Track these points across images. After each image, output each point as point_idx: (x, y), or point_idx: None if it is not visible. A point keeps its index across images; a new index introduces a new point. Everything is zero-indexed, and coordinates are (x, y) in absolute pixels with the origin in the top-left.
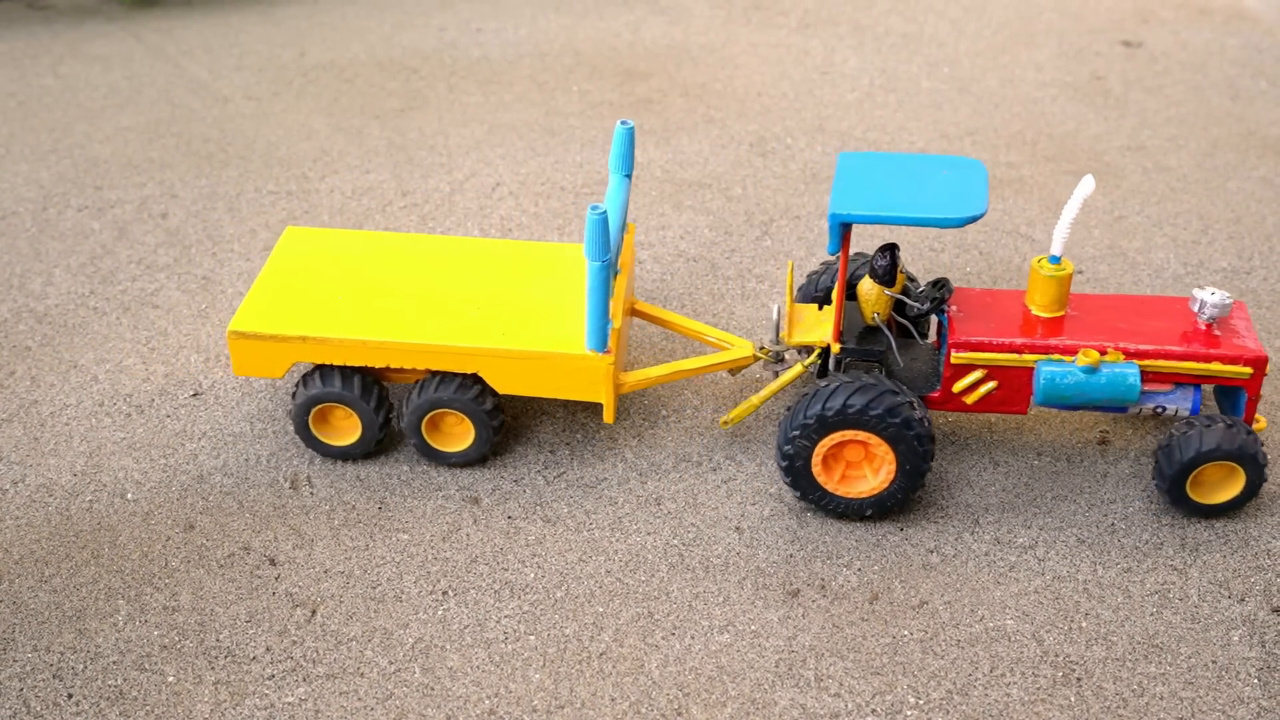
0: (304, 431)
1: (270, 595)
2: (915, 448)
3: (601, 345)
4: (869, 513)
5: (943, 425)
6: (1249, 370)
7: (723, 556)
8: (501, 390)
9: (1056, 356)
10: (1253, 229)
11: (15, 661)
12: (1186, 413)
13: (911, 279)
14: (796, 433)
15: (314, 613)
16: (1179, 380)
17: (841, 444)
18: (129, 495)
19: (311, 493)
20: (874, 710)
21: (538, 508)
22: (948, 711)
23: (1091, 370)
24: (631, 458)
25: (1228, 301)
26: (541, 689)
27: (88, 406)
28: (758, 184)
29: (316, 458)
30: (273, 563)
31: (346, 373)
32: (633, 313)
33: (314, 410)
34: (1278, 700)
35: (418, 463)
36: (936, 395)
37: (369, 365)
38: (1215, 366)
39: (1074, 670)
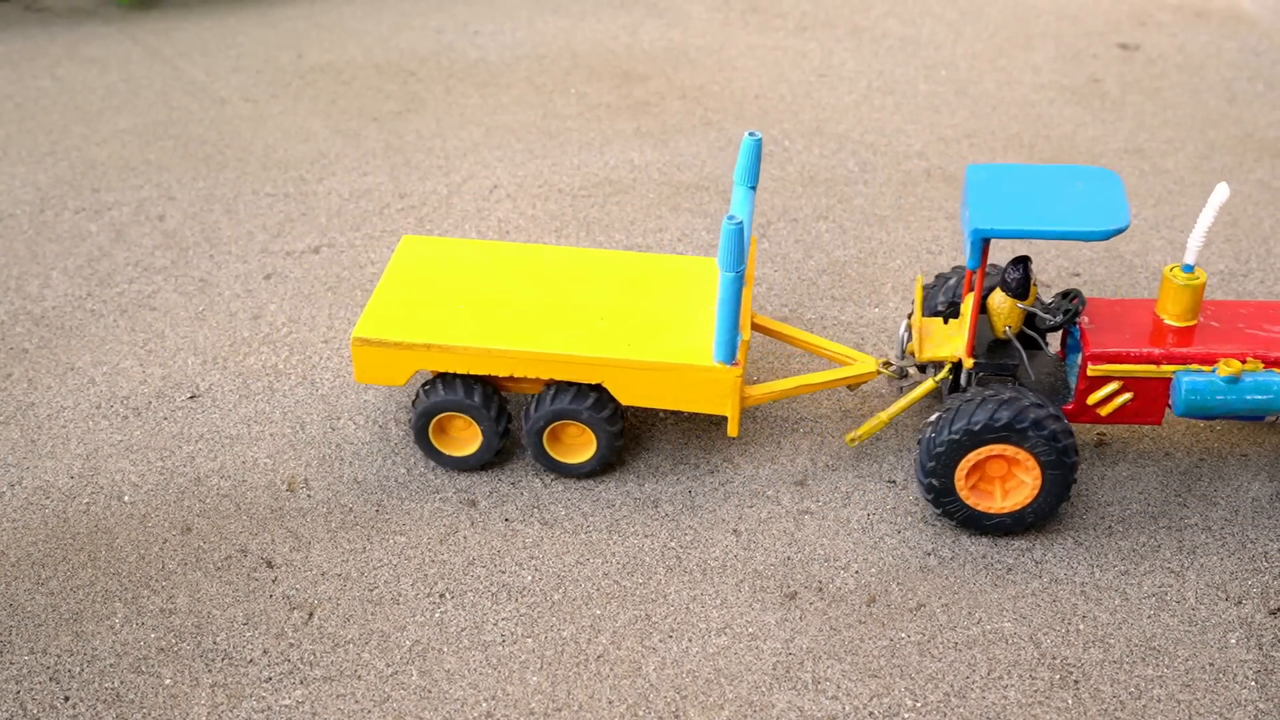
0: (423, 440)
1: (267, 598)
2: (1062, 459)
3: (730, 357)
4: (1023, 524)
5: None
6: None
7: (720, 559)
8: (624, 402)
9: (1195, 366)
10: (1249, 231)
11: (12, 664)
12: None
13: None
14: (941, 449)
15: (311, 615)
16: None
17: (984, 459)
18: (126, 497)
19: (309, 495)
20: (871, 713)
21: (535, 510)
22: (945, 714)
23: (1234, 380)
24: (629, 460)
25: None
26: (539, 691)
27: (85, 409)
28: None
29: (314, 460)
30: (270, 565)
31: (469, 382)
32: (752, 326)
33: (433, 420)
34: (1275, 702)
35: (415, 465)
36: (1069, 407)
37: (492, 374)
38: None
39: (1071, 673)
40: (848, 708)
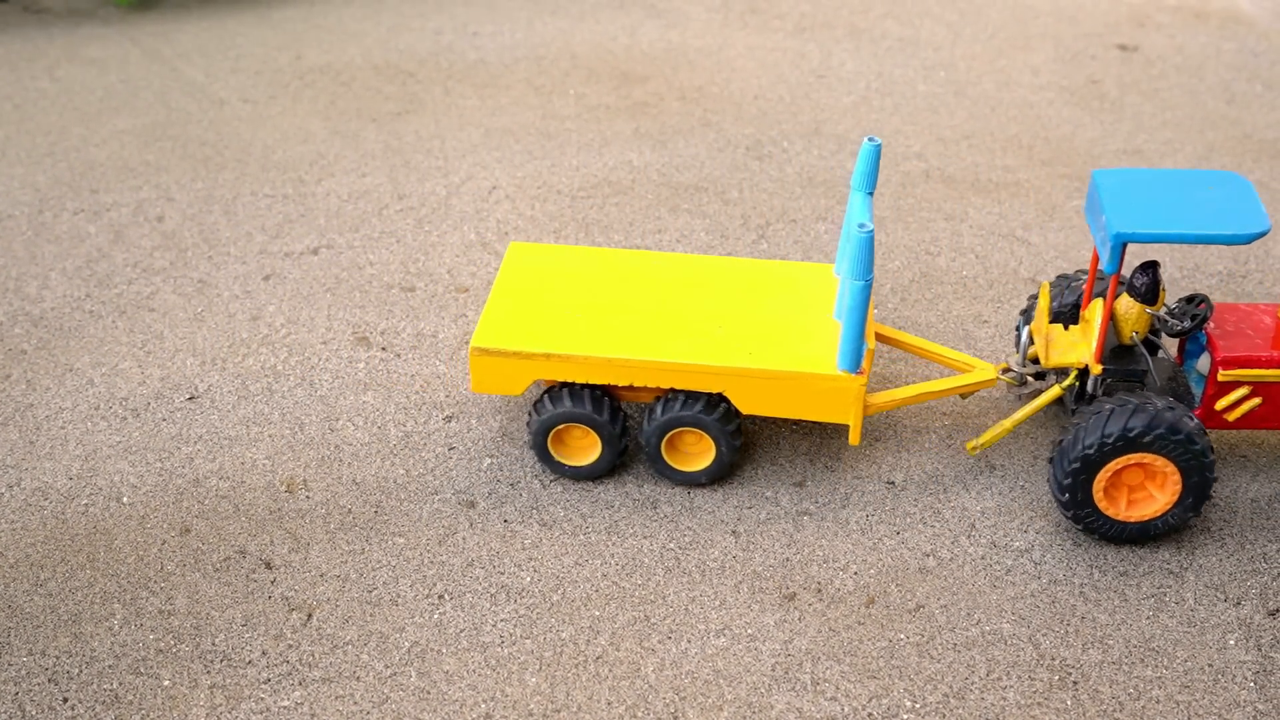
0: (542, 451)
1: (266, 599)
2: (1200, 463)
3: (855, 366)
4: (1164, 530)
5: (940, 428)
6: None
7: (719, 560)
8: (745, 410)
9: None
10: None
11: (11, 666)
12: None
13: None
14: (1077, 464)
15: (310, 616)
16: None
17: (1121, 469)
18: (125, 499)
19: (307, 496)
20: (870, 714)
21: (534, 511)
22: (944, 715)
23: None
24: (627, 461)
25: None
26: (538, 693)
27: (83, 410)
28: (754, 187)
29: (313, 461)
30: (269, 566)
31: (590, 391)
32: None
33: (553, 431)
34: (1274, 703)
35: (413, 466)
36: (1196, 413)
37: (612, 383)
38: None
39: (1070, 674)
40: (846, 709)
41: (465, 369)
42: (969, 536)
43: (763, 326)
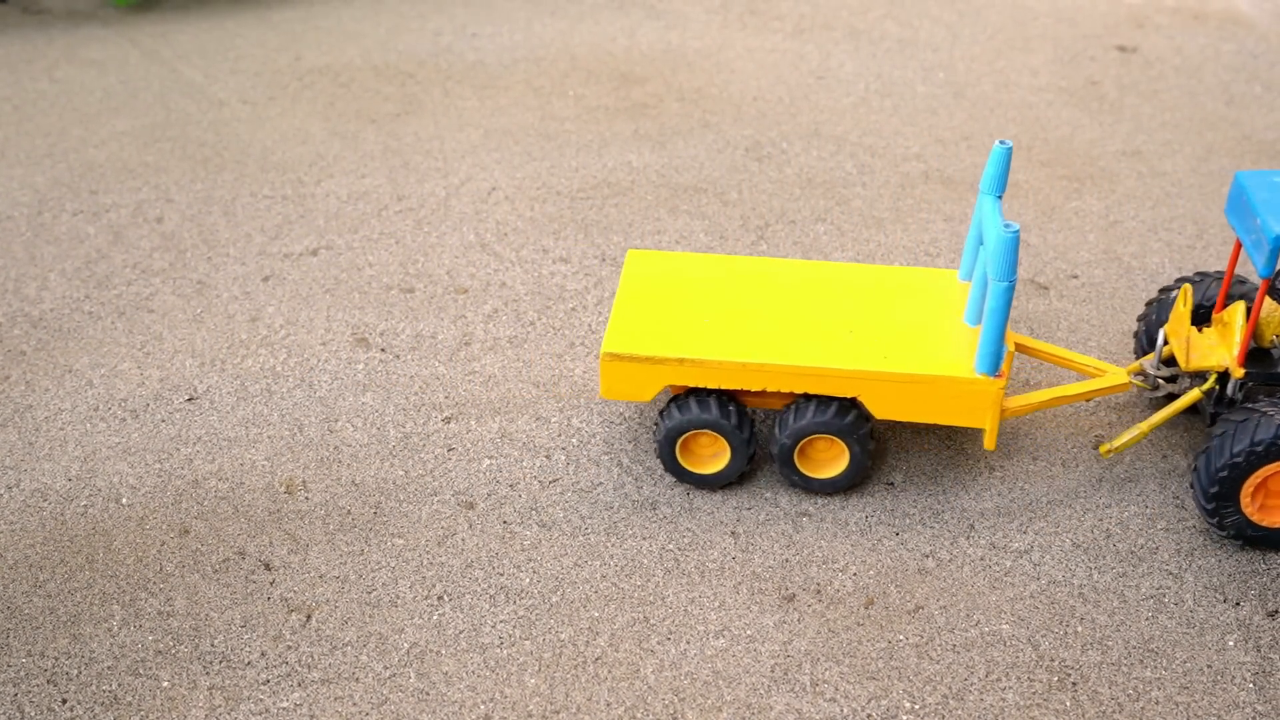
0: (670, 460)
1: (265, 600)
2: None
3: (994, 369)
4: None
5: (940, 428)
6: None
7: (718, 561)
8: (878, 415)
9: None
10: None
11: (9, 667)
12: None
13: None
14: (1225, 473)
15: (309, 618)
16: None
17: (1269, 476)
18: (124, 500)
19: (306, 498)
20: (869, 715)
21: (533, 512)
22: (943, 717)
23: None
24: (627, 462)
25: None
26: (537, 694)
27: (82, 411)
28: (753, 188)
29: (312, 462)
30: (268, 568)
31: (719, 397)
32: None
33: (680, 439)
34: (1273, 704)
35: (412, 467)
36: None
37: (743, 389)
38: None
39: (1069, 675)
40: (846, 710)
41: (464, 370)
42: (968, 537)
43: (893, 331)
